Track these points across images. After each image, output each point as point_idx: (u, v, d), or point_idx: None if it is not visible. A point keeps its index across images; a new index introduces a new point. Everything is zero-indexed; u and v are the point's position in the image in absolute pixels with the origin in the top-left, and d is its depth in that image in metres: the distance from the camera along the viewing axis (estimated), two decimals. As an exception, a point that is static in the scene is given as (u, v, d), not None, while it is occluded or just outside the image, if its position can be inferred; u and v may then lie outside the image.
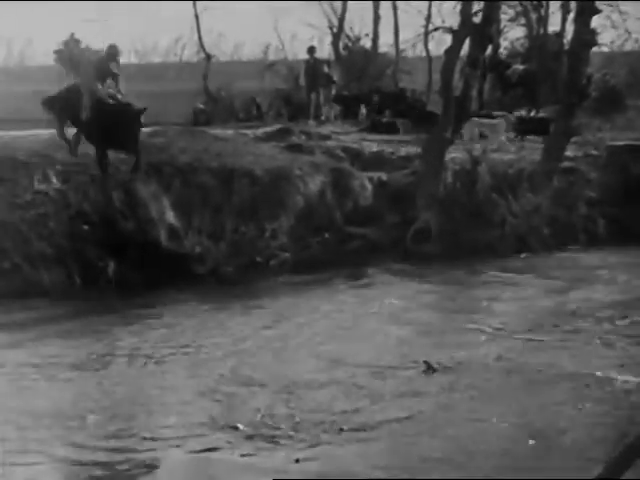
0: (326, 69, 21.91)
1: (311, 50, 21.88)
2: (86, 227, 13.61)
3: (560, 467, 6.94)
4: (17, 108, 17.26)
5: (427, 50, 27.73)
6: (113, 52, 15.10)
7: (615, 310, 11.53)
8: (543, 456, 7.14)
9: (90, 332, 11.16)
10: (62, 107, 14.26)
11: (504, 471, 6.82)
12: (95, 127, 13.93)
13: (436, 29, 26.12)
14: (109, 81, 14.62)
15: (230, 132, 18.06)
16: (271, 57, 30.24)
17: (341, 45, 28.55)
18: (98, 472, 7.08)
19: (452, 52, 16.53)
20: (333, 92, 22.40)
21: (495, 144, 17.88)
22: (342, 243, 15.27)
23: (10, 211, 13.44)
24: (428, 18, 27.76)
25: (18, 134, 15.67)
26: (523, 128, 19.47)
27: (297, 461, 7.12)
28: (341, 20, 28.62)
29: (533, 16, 27.51)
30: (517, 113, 20.90)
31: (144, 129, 14.79)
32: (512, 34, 28.42)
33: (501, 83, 23.68)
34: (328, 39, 28.68)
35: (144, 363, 9.84)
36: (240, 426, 7.79)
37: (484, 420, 7.91)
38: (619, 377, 8.83)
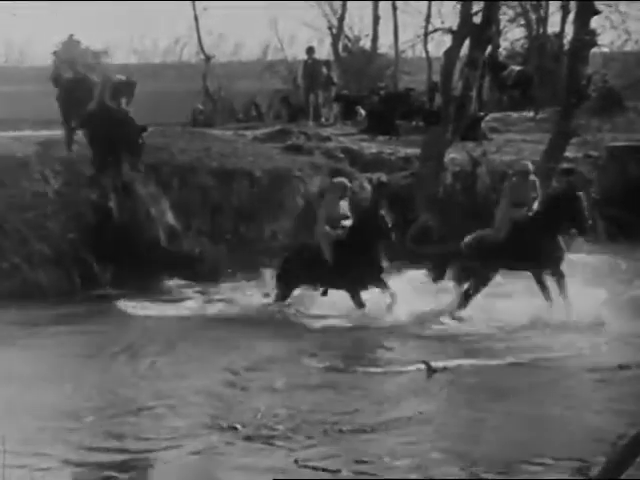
0: (325, 70, 21.88)
1: (310, 51, 21.82)
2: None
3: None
4: (17, 108, 17.22)
5: (426, 51, 27.76)
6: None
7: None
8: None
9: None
10: None
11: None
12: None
13: (436, 30, 26.13)
14: None
15: (229, 133, 18.05)
16: (270, 58, 30.31)
17: (341, 46, 28.58)
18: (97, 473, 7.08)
19: (452, 53, 16.52)
20: (333, 93, 22.37)
21: None
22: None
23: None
24: (427, 19, 27.81)
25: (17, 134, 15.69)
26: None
27: (296, 462, 7.11)
28: (340, 21, 28.66)
29: (533, 17, 27.52)
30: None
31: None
32: (512, 35, 28.47)
33: (497, 84, 23.68)
34: (328, 40, 28.74)
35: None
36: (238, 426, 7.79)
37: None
38: None
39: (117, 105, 14.39)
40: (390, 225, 11.81)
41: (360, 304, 11.76)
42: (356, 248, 11.74)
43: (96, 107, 14.27)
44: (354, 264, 11.72)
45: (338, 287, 11.93)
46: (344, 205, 12.20)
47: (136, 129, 14.24)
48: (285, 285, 12.23)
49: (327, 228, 11.94)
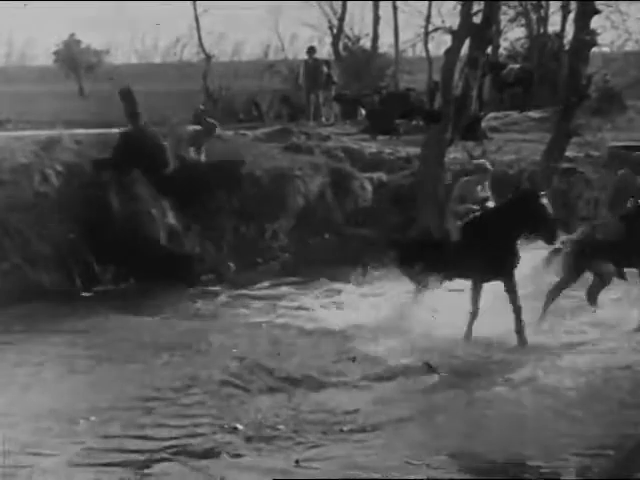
0: (325, 69, 21.92)
1: (310, 50, 21.89)
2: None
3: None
4: (18, 108, 17.27)
5: (427, 50, 27.79)
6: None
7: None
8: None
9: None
10: None
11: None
12: None
13: (436, 29, 26.17)
14: None
15: (230, 133, 18.07)
16: (271, 57, 30.32)
17: (341, 45, 28.59)
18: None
19: (452, 53, 16.51)
20: (333, 93, 22.41)
21: None
22: (342, 244, 15.26)
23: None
24: (428, 18, 27.86)
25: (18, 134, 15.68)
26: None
27: (297, 462, 7.12)
28: (341, 20, 28.67)
29: (533, 16, 27.52)
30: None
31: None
32: (512, 34, 28.49)
33: (497, 83, 23.71)
34: (328, 39, 28.76)
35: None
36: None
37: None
38: None
39: (198, 153, 13.84)
40: (552, 218, 10.43)
41: (476, 301, 10.51)
42: (492, 233, 10.43)
43: (177, 168, 13.71)
44: (485, 250, 10.43)
45: (463, 275, 10.75)
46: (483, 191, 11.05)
47: (228, 169, 13.86)
48: (421, 273, 11.11)
49: (459, 208, 10.83)
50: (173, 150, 13.83)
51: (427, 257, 11.09)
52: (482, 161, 12.25)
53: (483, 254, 10.42)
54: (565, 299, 11.21)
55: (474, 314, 10.51)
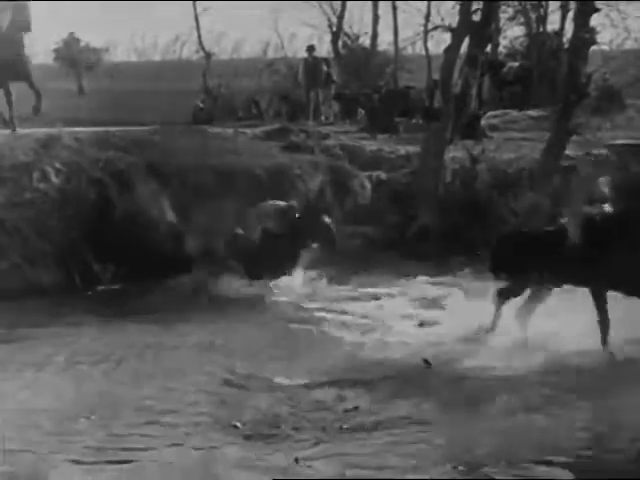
0: (325, 68, 21.95)
1: (310, 49, 21.93)
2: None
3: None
4: (18, 106, 17.22)
5: (426, 49, 27.80)
6: None
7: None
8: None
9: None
10: None
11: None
12: None
13: (435, 28, 26.14)
14: None
15: (230, 131, 18.08)
16: (271, 55, 30.36)
17: (340, 44, 28.62)
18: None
19: (451, 51, 16.53)
20: (332, 91, 22.44)
21: None
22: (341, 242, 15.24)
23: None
24: (427, 17, 27.86)
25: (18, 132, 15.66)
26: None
27: (297, 461, 7.11)
28: (340, 19, 28.69)
29: (532, 15, 27.53)
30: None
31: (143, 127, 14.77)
32: (511, 33, 28.51)
33: (496, 82, 23.72)
34: (327, 38, 28.79)
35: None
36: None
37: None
38: None
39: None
40: None
41: (604, 316, 9.24)
42: (617, 234, 9.25)
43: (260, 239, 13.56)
44: (611, 253, 9.19)
45: (580, 283, 9.52)
46: (603, 183, 9.84)
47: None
48: (516, 278, 9.91)
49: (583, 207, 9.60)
50: (256, 223, 13.58)
51: (537, 259, 9.73)
52: (604, 152, 11.03)
53: (603, 261, 9.25)
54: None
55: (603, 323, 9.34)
